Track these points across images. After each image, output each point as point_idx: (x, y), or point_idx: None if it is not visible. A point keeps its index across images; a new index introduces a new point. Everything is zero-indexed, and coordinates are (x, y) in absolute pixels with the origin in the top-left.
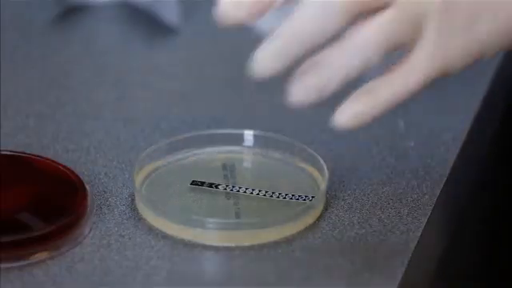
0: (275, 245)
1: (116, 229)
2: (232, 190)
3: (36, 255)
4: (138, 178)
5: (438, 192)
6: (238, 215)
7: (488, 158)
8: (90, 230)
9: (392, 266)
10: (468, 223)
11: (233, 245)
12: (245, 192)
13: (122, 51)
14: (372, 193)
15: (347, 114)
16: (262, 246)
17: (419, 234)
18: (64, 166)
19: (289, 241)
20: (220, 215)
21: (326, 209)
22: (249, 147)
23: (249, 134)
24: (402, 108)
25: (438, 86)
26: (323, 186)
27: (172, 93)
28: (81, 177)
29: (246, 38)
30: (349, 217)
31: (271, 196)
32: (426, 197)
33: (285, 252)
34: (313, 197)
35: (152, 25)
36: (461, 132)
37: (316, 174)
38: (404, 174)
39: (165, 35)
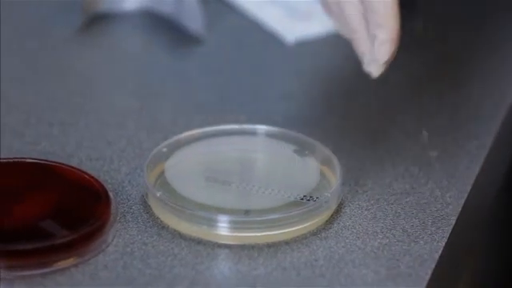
0: (299, 254)
1: (139, 237)
2: (245, 188)
3: (60, 263)
4: (151, 178)
5: (462, 202)
6: (248, 213)
7: None
8: (114, 237)
9: (416, 276)
10: (492, 233)
11: (245, 243)
12: (258, 190)
13: (146, 60)
14: (396, 202)
15: (378, 53)
16: (284, 254)
17: (443, 243)
18: (88, 174)
19: (313, 251)
20: (232, 213)
21: (350, 218)
22: (264, 144)
23: (263, 129)
24: (426, 117)
25: (463, 95)
26: (336, 185)
27: (195, 101)
28: (104, 185)
29: (269, 46)
30: (372, 226)
31: (286, 195)
32: (450, 207)
33: (308, 261)
34: (317, 198)
35: (176, 33)
36: (485, 141)
37: (329, 174)
38: (428, 183)
39: (189, 44)
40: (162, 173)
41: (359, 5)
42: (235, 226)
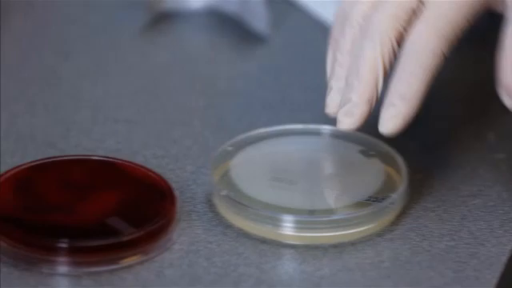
0: (364, 255)
1: (204, 235)
2: (311, 188)
3: (125, 260)
4: (216, 177)
5: None
6: (313, 213)
7: None
8: (179, 236)
9: (483, 280)
10: None
11: (310, 243)
12: (323, 190)
13: (211, 59)
14: (462, 204)
15: (391, 125)
16: (349, 255)
17: (511, 246)
18: (153, 172)
19: (378, 252)
20: (297, 213)
21: (415, 220)
22: (329, 144)
23: (327, 129)
24: (493, 119)
25: None
26: (402, 186)
27: (260, 101)
28: (170, 183)
29: None
30: (438, 228)
31: (351, 196)
32: None
33: (373, 262)
34: (383, 198)
35: (241, 33)
36: None
37: (395, 175)
38: (495, 186)
39: (254, 43)
40: (227, 172)
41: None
42: (300, 225)
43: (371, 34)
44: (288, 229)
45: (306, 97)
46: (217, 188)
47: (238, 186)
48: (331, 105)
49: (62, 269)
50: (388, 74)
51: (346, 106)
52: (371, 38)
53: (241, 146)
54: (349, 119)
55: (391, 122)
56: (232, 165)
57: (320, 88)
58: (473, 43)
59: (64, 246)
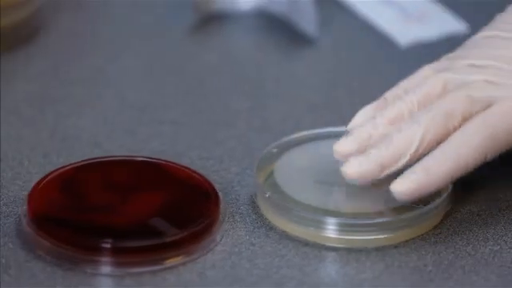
0: (407, 259)
1: (247, 237)
2: (354, 191)
3: (168, 260)
4: (260, 178)
5: None
6: (355, 215)
7: None
8: (222, 237)
9: None
10: None
11: (352, 246)
12: (367, 193)
13: (259, 60)
14: (508, 209)
15: (405, 188)
16: (392, 258)
17: None
18: (198, 174)
19: (422, 255)
20: (340, 216)
21: (459, 223)
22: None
23: None
24: None
25: None
26: (446, 190)
27: (305, 103)
28: (214, 184)
29: (382, 48)
30: (483, 232)
31: (395, 199)
32: None
33: (416, 266)
34: (427, 202)
35: (289, 34)
36: None
37: None
38: None
39: (302, 45)
40: (272, 173)
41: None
42: (343, 228)
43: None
44: (331, 231)
45: (352, 99)
46: (261, 190)
47: (281, 187)
48: (341, 149)
49: (105, 269)
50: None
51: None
52: (419, 123)
53: (285, 148)
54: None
55: (404, 185)
56: (276, 167)
57: (365, 91)
58: None
59: (107, 246)
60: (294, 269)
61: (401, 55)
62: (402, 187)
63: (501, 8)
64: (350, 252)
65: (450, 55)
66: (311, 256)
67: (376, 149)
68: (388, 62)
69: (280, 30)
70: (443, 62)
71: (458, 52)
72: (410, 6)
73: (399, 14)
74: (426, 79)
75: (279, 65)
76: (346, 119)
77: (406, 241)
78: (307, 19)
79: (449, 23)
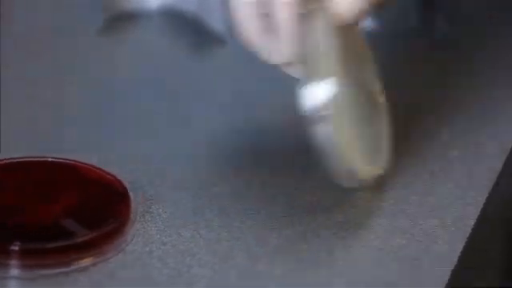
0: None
1: (158, 236)
2: None
3: (80, 261)
4: None
5: (482, 202)
6: None
7: None
8: (133, 237)
9: (435, 277)
10: None
11: None
12: None
13: (169, 59)
14: (415, 202)
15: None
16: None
17: (463, 244)
18: (108, 173)
19: (331, 250)
20: None
21: (369, 217)
22: None
23: None
24: (447, 117)
25: (484, 95)
26: None
27: (217, 102)
28: (125, 184)
29: None
30: (391, 226)
31: None
32: (470, 207)
33: (326, 260)
34: None
35: (199, 34)
36: (506, 142)
37: None
38: (448, 183)
39: (211, 45)
40: None
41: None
42: None
43: None
44: None
45: (261, 99)
46: None
47: None
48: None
49: (14, 272)
50: None
51: None
52: None
53: None
54: None
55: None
56: None
57: (276, 90)
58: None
59: (15, 248)
60: (206, 267)
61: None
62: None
63: None
64: (260, 250)
65: None
66: (222, 254)
67: None
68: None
69: (189, 29)
70: None
71: None
72: None
73: None
74: None
75: (187, 65)
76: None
77: (318, 229)
78: (216, 19)
79: None
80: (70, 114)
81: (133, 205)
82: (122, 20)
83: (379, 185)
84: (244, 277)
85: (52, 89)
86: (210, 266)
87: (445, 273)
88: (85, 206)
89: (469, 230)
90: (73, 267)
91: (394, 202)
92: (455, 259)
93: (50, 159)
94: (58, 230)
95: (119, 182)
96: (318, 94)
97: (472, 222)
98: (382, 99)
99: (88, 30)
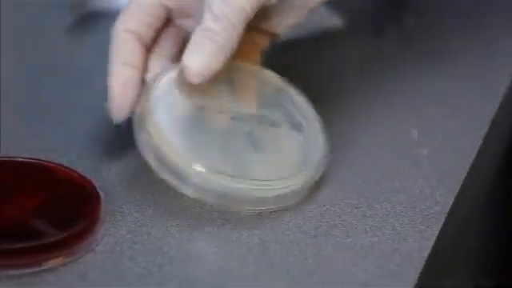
0: (288, 252)
1: (129, 235)
2: None
3: (49, 262)
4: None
5: (451, 200)
6: None
7: (504, 167)
8: (103, 236)
9: (405, 275)
10: (482, 232)
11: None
12: None
13: None
14: (385, 201)
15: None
16: (274, 253)
17: (432, 242)
18: (78, 173)
19: (302, 249)
20: None
21: (339, 216)
22: None
23: None
24: (416, 115)
25: (454, 92)
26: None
27: None
28: (94, 183)
29: None
30: (362, 224)
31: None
32: (440, 205)
33: (297, 260)
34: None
35: None
36: (476, 139)
37: None
38: (417, 181)
39: None
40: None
41: None
42: None
43: None
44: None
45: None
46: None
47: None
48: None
49: None
50: None
51: None
52: None
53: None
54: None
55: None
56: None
57: None
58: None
59: None
60: (177, 266)
61: None
62: (193, 62)
63: None
64: (232, 249)
65: None
66: (193, 253)
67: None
68: None
69: None
70: None
71: None
72: None
73: None
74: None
75: None
76: None
77: (289, 229)
78: None
79: None
80: (37, 114)
81: (103, 204)
82: (91, 19)
83: (350, 184)
84: (215, 276)
85: (18, 89)
86: (181, 265)
87: (414, 271)
88: (54, 205)
89: (438, 229)
90: (43, 267)
91: (364, 201)
92: (425, 257)
93: (19, 159)
94: (27, 231)
95: (89, 181)
96: None
97: (442, 221)
98: (286, 127)
99: (55, 29)
